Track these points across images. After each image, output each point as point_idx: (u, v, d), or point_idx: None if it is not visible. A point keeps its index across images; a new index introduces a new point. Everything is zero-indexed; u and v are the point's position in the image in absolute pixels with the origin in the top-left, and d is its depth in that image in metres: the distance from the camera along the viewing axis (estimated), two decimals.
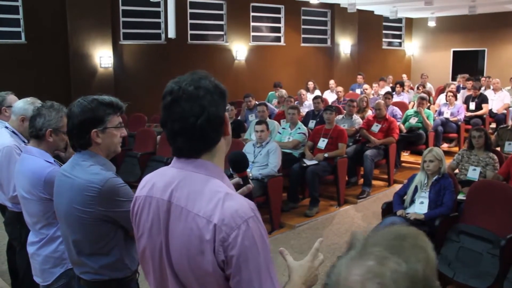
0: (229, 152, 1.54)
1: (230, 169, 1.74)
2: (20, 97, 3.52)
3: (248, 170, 5.91)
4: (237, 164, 1.69)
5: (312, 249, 1.46)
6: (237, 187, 1.60)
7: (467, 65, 15.47)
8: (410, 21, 17.12)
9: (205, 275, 1.25)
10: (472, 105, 9.31)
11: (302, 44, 14.19)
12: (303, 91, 10.07)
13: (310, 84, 11.53)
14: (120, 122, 2.08)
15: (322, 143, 6.48)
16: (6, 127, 3.29)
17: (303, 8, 13.92)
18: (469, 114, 9.07)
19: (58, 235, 2.44)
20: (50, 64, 9.63)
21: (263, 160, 5.67)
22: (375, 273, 0.72)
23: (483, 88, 10.16)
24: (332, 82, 11.87)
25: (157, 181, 1.39)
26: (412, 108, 8.90)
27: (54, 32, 9.65)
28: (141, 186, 1.45)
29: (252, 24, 12.97)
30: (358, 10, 13.03)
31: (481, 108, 9.19)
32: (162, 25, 11.24)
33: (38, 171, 2.42)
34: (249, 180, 1.68)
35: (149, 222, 1.37)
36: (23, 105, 3.21)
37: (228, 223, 1.21)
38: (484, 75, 13.67)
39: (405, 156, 8.60)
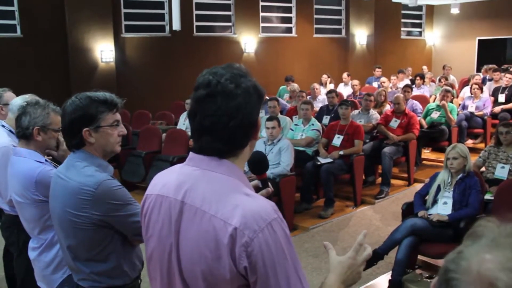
0: None
1: (249, 170, 1.72)
2: (17, 94, 3.55)
3: None
4: (256, 165, 1.65)
5: (355, 244, 1.42)
6: (256, 190, 1.58)
7: (494, 55, 15.28)
8: (431, 8, 16.98)
9: (220, 282, 1.22)
10: (502, 97, 9.12)
11: (315, 35, 14.15)
12: (316, 85, 10.05)
13: (325, 78, 11.49)
14: (116, 120, 2.05)
15: (337, 140, 6.46)
16: (3, 126, 3.31)
17: None
18: (498, 108, 8.84)
19: (57, 240, 2.45)
20: (47, 59, 9.70)
21: (275, 159, 5.66)
22: None
23: None
24: (345, 74, 11.83)
25: (170, 180, 1.37)
26: (434, 102, 8.83)
27: (51, 25, 9.71)
28: (153, 184, 1.44)
29: (261, 14, 12.96)
30: None
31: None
32: (166, 17, 11.27)
33: (29, 172, 2.43)
34: (269, 183, 1.65)
35: (160, 223, 1.35)
36: (20, 102, 3.23)
37: (251, 226, 1.18)
38: None
39: (427, 154, 8.56)
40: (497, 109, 8.82)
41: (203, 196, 1.27)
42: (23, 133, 2.55)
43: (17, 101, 3.29)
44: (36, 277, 2.54)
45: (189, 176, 1.33)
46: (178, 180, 1.34)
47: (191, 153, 1.38)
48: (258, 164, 1.66)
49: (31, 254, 2.54)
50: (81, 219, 1.92)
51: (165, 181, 1.39)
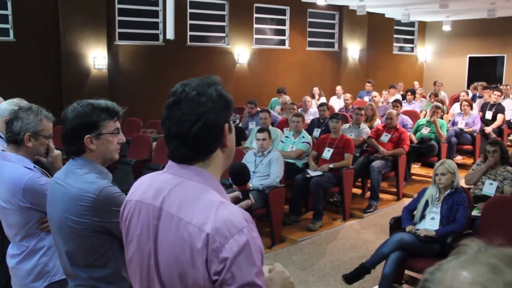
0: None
1: (230, 180, 1.75)
2: (7, 98, 3.52)
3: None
4: (237, 177, 1.70)
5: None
6: (236, 201, 1.61)
7: (485, 72, 15.46)
8: (423, 25, 17.17)
9: (195, 285, 1.25)
10: (489, 114, 9.25)
11: (308, 48, 14.23)
12: (308, 98, 10.08)
13: (316, 90, 11.55)
14: (116, 128, 2.09)
15: (327, 153, 6.47)
16: None
17: (309, 10, 13.97)
18: (488, 129, 8.95)
19: (40, 247, 2.43)
20: (40, 64, 9.65)
21: (265, 170, 5.67)
22: (488, 279, 0.74)
23: (501, 97, 10.14)
24: (339, 88, 11.91)
25: (149, 186, 1.43)
26: (424, 117, 8.90)
27: (45, 30, 9.67)
28: (133, 189, 1.49)
29: (255, 26, 13.02)
30: (368, 12, 13.10)
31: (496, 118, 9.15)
32: (160, 25, 11.28)
33: (17, 178, 2.41)
34: (250, 195, 1.68)
35: (139, 228, 1.40)
36: (7, 106, 3.19)
37: (222, 233, 1.22)
38: (503, 83, 13.67)
39: (416, 169, 8.61)
40: (488, 129, 8.91)
41: (179, 203, 1.31)
42: (13, 138, 2.52)
43: (3, 104, 3.25)
44: (14, 287, 2.50)
45: (167, 183, 1.37)
46: (157, 187, 1.39)
47: (170, 161, 1.43)
48: (239, 175, 1.70)
49: (10, 262, 2.49)
50: (81, 225, 1.93)
51: (145, 187, 1.44)
